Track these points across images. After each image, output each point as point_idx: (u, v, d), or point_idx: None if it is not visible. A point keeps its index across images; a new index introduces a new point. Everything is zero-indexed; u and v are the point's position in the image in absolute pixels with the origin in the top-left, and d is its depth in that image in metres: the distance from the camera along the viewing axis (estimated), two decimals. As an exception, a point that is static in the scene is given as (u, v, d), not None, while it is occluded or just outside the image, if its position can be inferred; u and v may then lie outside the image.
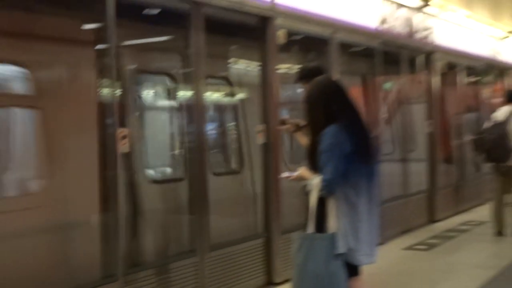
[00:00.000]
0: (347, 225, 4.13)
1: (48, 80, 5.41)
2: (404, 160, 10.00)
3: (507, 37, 13.93)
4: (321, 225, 4.19)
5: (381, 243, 8.40)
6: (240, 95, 7.45)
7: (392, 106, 9.82)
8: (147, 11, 5.70)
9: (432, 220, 10.56)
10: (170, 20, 5.91)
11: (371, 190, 4.29)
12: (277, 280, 6.65)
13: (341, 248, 4.05)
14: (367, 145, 4.31)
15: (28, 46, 5.09)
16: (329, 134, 4.15)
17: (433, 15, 10.55)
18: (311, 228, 4.23)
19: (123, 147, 5.11)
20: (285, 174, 4.59)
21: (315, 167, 4.20)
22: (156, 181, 6.37)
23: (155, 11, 5.75)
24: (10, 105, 5.23)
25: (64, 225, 5.22)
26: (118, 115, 5.12)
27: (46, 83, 5.35)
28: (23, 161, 5.29)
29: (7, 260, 4.48)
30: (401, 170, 9.89)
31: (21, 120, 5.30)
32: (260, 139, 6.78)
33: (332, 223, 4.15)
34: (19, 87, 5.26)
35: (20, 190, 5.31)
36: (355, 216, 4.16)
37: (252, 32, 6.77)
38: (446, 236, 9.39)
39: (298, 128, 5.22)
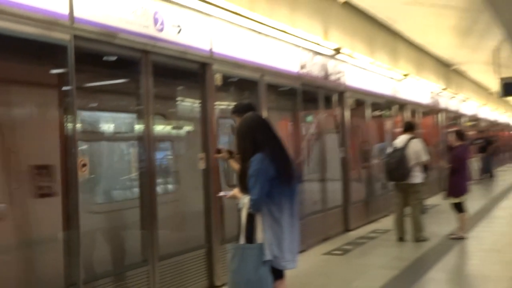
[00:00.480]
0: (271, 236, 4.18)
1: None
2: (322, 180, 10.06)
3: (403, 78, 14.26)
4: (250, 237, 4.23)
5: (304, 250, 8.49)
6: (185, 128, 7.41)
7: (312, 136, 9.92)
8: (105, 58, 5.64)
9: (346, 229, 10.63)
10: (124, 66, 5.86)
11: (292, 207, 4.34)
12: (218, 283, 6.61)
13: (267, 256, 4.11)
14: (288, 170, 4.34)
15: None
16: (256, 161, 4.19)
17: (343, 61, 10.73)
18: (242, 239, 4.27)
19: (83, 173, 5.04)
20: (221, 193, 4.59)
21: (245, 189, 4.23)
22: (111, 202, 6.28)
23: (112, 58, 5.69)
24: None
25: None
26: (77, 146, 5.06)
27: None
28: None
29: None
30: (320, 189, 9.94)
31: None
32: (201, 165, 6.76)
33: (260, 235, 4.20)
34: None
35: None
36: (278, 229, 4.21)
37: (194, 75, 6.74)
38: (358, 243, 9.47)
39: (231, 156, 5.25)
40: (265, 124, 4.41)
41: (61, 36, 4.85)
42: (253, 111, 5.04)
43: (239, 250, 4.20)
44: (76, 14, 4.98)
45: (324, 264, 7.99)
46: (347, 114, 10.88)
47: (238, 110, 5.26)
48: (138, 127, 5.92)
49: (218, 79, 6.89)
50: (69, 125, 5.03)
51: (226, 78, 7.05)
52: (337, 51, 10.24)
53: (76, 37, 4.96)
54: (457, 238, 9.41)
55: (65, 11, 4.89)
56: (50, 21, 4.73)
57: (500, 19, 10.82)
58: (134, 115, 5.98)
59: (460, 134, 10.28)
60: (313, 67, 9.51)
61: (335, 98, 10.60)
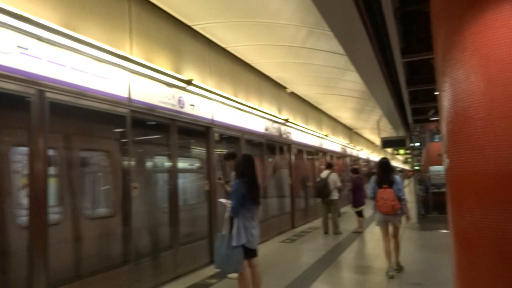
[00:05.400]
0: (243, 229, 4.13)
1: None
2: (278, 196, 10.03)
3: (325, 136, 14.39)
4: (230, 230, 4.16)
5: (267, 240, 8.37)
6: (195, 165, 7.37)
7: (272, 170, 9.96)
8: (148, 123, 5.62)
9: (293, 226, 10.52)
10: (160, 128, 5.80)
11: (256, 212, 4.30)
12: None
13: (236, 242, 4.07)
14: (256, 190, 4.31)
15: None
16: (236, 184, 4.21)
17: (290, 127, 10.84)
18: (224, 230, 4.20)
19: (134, 192, 4.97)
20: (221, 200, 4.53)
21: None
22: (153, 208, 6.12)
23: (153, 123, 5.68)
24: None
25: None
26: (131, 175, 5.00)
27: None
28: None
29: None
30: (277, 201, 9.88)
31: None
32: (206, 187, 6.71)
33: (235, 229, 4.14)
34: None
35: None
36: (248, 225, 4.18)
37: (202, 134, 6.76)
38: (300, 235, 9.38)
39: (226, 181, 5.25)
40: (249, 162, 4.35)
41: (123, 110, 4.87)
42: (235, 157, 5.07)
43: (221, 237, 4.17)
44: (132, 97, 5.03)
45: (280, 248, 7.88)
46: (293, 157, 10.93)
47: (227, 156, 5.32)
48: (168, 164, 5.89)
49: (216, 136, 6.94)
50: (126, 163, 5.00)
51: (221, 136, 7.08)
52: (286, 120, 10.36)
53: (131, 111, 4.99)
54: (358, 232, 9.42)
55: (126, 95, 4.93)
56: (116, 101, 4.76)
57: (379, 104, 11.18)
58: (166, 157, 5.94)
59: (355, 170, 10.49)
60: (272, 130, 9.59)
61: (285, 148, 10.66)
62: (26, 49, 3.71)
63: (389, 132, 19.13)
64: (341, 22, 5.13)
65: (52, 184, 3.87)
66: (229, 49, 7.43)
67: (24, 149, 3.76)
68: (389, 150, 27.94)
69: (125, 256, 4.80)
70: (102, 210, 5.19)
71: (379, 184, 5.57)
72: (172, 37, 5.95)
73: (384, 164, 5.74)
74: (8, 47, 3.55)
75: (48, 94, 3.86)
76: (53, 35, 3.91)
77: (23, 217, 3.78)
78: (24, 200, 3.87)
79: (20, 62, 3.64)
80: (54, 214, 4.24)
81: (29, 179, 3.69)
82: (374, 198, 5.63)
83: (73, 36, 4.10)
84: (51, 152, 3.87)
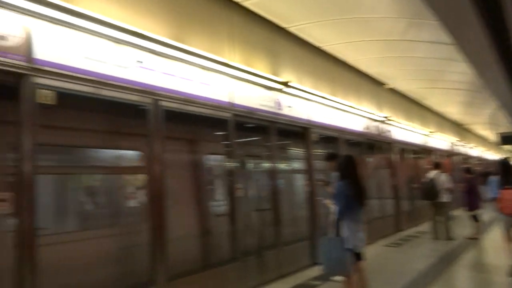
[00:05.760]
0: (350, 233, 4.01)
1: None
2: (381, 198, 9.57)
3: (430, 134, 13.40)
4: (337, 233, 4.05)
5: (370, 243, 8.03)
6: (294, 166, 7.35)
7: (372, 170, 9.56)
8: (247, 126, 5.69)
9: (398, 230, 9.95)
10: (260, 130, 5.86)
11: (361, 213, 4.15)
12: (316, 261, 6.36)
13: (348, 245, 3.97)
14: (360, 191, 4.17)
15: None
16: (339, 185, 4.10)
17: (391, 125, 10.29)
18: (331, 234, 4.10)
19: (238, 192, 5.14)
20: (322, 200, 4.47)
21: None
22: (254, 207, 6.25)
23: (252, 125, 5.76)
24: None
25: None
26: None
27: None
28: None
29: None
30: (379, 203, 9.44)
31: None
32: (307, 188, 6.68)
33: (342, 232, 4.03)
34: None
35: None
36: (354, 228, 4.04)
37: (299, 134, 6.75)
38: (406, 239, 8.83)
39: (327, 183, 5.17)
40: (351, 163, 4.24)
41: (225, 114, 5.07)
42: (336, 157, 4.96)
43: (328, 240, 4.07)
44: (234, 101, 5.22)
45: (385, 252, 7.51)
46: (395, 157, 10.37)
47: (328, 157, 5.23)
48: (268, 165, 5.96)
49: (315, 136, 6.89)
50: (230, 164, 5.17)
51: (320, 135, 7.01)
52: (387, 118, 9.90)
53: (234, 114, 5.17)
54: (474, 238, 8.50)
55: (227, 99, 5.13)
56: (219, 106, 4.99)
57: (495, 95, 10.03)
58: (266, 158, 6.01)
59: (468, 170, 9.55)
60: (372, 128, 9.23)
61: (386, 147, 10.15)
62: (141, 62, 4.10)
63: (507, 127, 17.00)
64: (448, 8, 4.72)
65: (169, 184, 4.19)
66: (324, 48, 7.34)
67: (140, 153, 4.15)
68: (508, 147, 24.84)
69: (233, 253, 4.99)
70: (214, 209, 5.47)
71: (502, 185, 5.31)
72: (268, 40, 6.08)
73: (506, 165, 5.65)
74: (127, 61, 3.97)
75: (162, 103, 4.22)
76: (165, 48, 4.26)
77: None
78: (143, 199, 4.28)
79: (137, 75, 4.04)
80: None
81: (147, 180, 4.07)
82: (495, 199, 5.23)
83: (181, 48, 4.42)
84: (167, 155, 4.21)
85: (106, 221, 4.47)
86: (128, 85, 3.93)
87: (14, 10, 3.12)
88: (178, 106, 4.43)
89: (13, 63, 3.07)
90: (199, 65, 4.73)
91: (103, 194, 4.57)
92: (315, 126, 6.90)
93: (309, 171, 6.72)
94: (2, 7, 3.05)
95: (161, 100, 4.22)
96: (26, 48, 3.16)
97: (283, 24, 6.29)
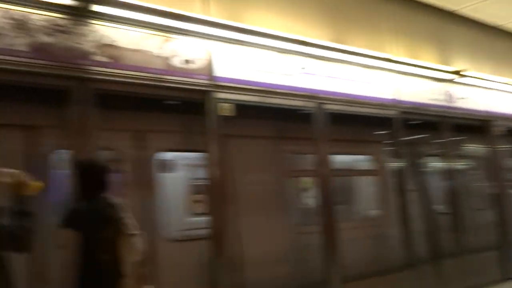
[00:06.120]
0: None
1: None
2: None
3: None
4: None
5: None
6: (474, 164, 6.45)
7: None
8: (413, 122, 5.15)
9: None
10: (427, 125, 5.32)
11: None
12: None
13: None
14: None
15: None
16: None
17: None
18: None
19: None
20: None
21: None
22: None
23: (417, 122, 5.19)
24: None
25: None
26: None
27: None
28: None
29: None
30: None
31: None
32: (492, 190, 5.83)
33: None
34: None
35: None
36: None
37: (478, 128, 5.92)
38: None
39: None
40: None
41: (390, 112, 4.85)
42: None
43: None
44: (399, 98, 4.96)
45: None
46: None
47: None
48: (442, 164, 5.45)
49: (498, 130, 5.98)
50: (397, 165, 4.89)
51: (505, 129, 6.05)
52: None
53: (400, 112, 4.90)
54: None
55: (391, 96, 4.89)
56: (383, 105, 4.81)
57: None
58: (438, 157, 5.46)
59: None
60: None
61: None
62: (304, 68, 4.24)
63: None
64: None
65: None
66: (506, 26, 6.33)
67: (310, 156, 4.27)
68: None
69: (407, 260, 4.69)
70: (375, 212, 5.26)
71: None
72: (435, 28, 5.59)
73: None
74: (291, 69, 4.15)
75: (325, 106, 4.28)
76: (325, 51, 4.32)
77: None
78: (310, 200, 4.39)
79: (301, 81, 4.19)
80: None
81: (316, 181, 4.17)
82: None
83: (341, 49, 4.42)
84: (336, 158, 4.25)
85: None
86: (293, 92, 4.11)
87: (198, 36, 3.60)
88: (341, 108, 4.42)
89: (200, 83, 3.54)
90: (360, 64, 4.64)
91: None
92: (498, 117, 6.00)
93: (494, 170, 5.90)
94: (190, 35, 3.55)
95: (324, 103, 4.28)
96: (208, 68, 3.61)
97: (452, 7, 5.69)
